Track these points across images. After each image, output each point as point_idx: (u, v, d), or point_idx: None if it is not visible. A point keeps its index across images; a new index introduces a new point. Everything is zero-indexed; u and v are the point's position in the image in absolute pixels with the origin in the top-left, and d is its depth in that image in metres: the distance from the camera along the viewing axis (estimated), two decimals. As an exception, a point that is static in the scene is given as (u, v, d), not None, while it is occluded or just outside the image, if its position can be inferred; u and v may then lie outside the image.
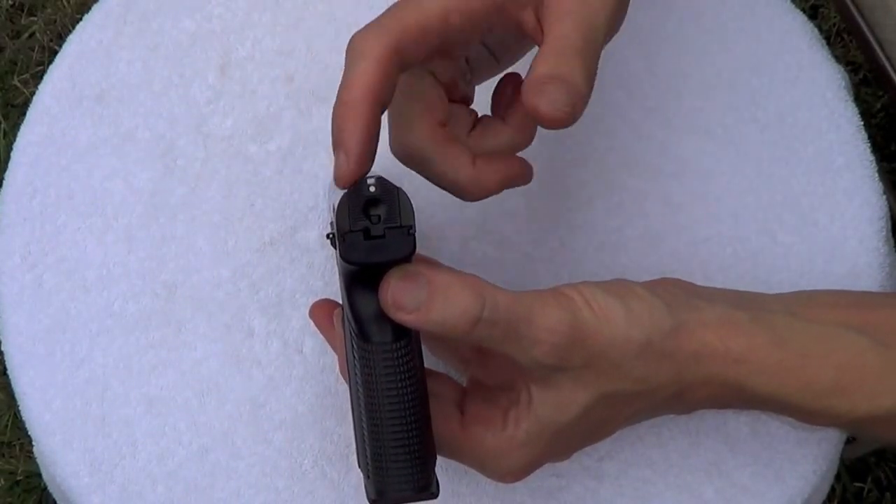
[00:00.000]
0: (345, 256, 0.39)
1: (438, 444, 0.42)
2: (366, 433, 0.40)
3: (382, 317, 0.39)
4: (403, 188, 0.39)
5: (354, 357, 0.40)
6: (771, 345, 0.42)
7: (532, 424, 0.42)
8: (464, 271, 0.43)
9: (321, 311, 0.48)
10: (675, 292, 0.43)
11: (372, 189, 0.38)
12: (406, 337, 0.40)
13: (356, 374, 0.41)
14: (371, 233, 0.38)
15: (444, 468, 0.46)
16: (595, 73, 0.42)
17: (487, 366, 0.46)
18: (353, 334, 0.40)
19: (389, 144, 0.45)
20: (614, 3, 0.43)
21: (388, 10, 0.42)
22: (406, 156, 0.44)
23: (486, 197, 0.45)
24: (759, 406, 0.44)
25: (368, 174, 0.39)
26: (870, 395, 0.42)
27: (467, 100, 0.48)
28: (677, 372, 0.42)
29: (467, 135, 0.46)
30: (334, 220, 0.39)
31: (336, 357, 0.48)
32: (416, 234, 0.39)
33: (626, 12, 0.45)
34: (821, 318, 0.43)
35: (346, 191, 0.39)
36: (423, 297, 0.39)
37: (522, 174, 0.46)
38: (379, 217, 0.38)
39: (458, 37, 0.42)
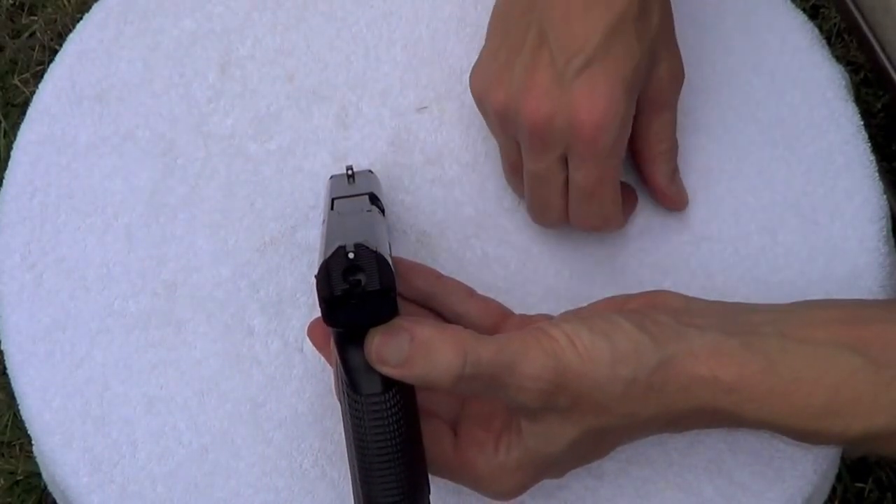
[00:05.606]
0: (328, 321, 0.40)
1: (432, 466, 0.43)
2: (356, 472, 0.41)
3: (372, 368, 0.40)
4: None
5: (345, 405, 0.41)
6: (762, 372, 0.42)
7: (523, 453, 0.43)
8: (448, 324, 0.44)
9: (318, 331, 0.48)
10: (664, 321, 0.43)
11: (351, 255, 0.39)
12: (396, 385, 0.40)
13: (346, 420, 0.41)
14: (352, 298, 0.39)
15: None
16: None
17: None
18: (344, 384, 0.41)
19: None
20: None
21: None
22: None
23: None
24: (753, 428, 0.44)
25: (348, 241, 0.39)
26: (864, 414, 0.41)
27: None
28: (666, 405, 0.42)
29: None
30: (315, 285, 0.39)
31: (333, 374, 0.48)
32: (398, 296, 0.40)
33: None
34: (812, 338, 0.43)
35: (325, 256, 0.40)
36: (405, 351, 0.40)
37: None
38: (359, 282, 0.39)
39: None
